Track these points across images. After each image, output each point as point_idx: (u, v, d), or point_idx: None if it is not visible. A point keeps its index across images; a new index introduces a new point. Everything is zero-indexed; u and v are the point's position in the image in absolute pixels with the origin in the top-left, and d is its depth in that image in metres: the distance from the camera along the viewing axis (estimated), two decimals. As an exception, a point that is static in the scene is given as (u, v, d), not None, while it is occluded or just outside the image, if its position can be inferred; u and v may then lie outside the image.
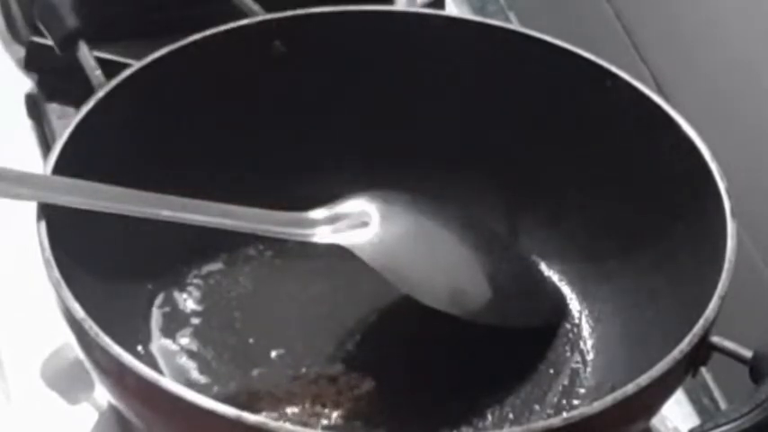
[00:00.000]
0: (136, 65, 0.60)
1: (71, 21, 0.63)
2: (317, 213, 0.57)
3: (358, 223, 0.57)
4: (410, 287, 0.57)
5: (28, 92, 0.73)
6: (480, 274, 0.61)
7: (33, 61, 0.74)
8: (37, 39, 0.72)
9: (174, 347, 0.58)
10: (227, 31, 0.62)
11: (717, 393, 0.66)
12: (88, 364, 0.50)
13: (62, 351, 0.59)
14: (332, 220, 0.57)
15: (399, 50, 0.64)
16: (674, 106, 0.59)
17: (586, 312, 0.62)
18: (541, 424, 0.46)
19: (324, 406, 0.56)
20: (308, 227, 0.57)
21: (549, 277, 0.63)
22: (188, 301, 0.61)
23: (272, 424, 0.45)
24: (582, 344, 0.60)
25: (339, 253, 0.56)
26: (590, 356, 0.60)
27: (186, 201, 0.55)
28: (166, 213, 0.54)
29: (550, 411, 0.57)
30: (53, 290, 0.49)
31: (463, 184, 0.65)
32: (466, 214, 0.63)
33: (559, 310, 0.62)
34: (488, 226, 0.64)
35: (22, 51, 0.75)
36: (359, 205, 0.58)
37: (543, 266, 0.64)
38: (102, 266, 0.55)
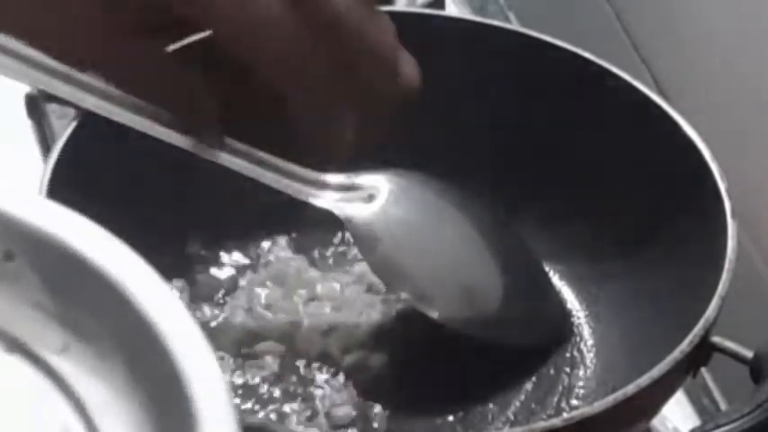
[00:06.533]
0: (136, 65, 0.59)
1: (71, 21, 0.63)
2: (332, 178, 0.55)
3: (365, 197, 0.56)
4: (381, 273, 0.56)
5: (28, 92, 0.73)
6: (473, 294, 0.58)
7: (33, 61, 0.74)
8: (37, 39, 0.72)
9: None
10: (227, 31, 0.62)
11: (717, 394, 0.66)
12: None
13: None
14: (344, 188, 0.55)
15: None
16: (674, 106, 0.59)
17: (586, 312, 0.62)
18: (542, 424, 0.46)
19: (322, 405, 0.56)
20: (316, 187, 0.54)
21: (556, 290, 0.63)
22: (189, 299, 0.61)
23: (272, 424, 0.45)
24: (582, 344, 0.60)
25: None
26: (590, 357, 0.60)
27: None
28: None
29: (551, 412, 0.57)
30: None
31: (462, 185, 0.64)
32: (496, 224, 0.62)
33: (564, 329, 0.61)
34: (509, 244, 0.62)
35: (21, 51, 0.75)
36: (376, 181, 0.56)
37: (543, 267, 0.64)
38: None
